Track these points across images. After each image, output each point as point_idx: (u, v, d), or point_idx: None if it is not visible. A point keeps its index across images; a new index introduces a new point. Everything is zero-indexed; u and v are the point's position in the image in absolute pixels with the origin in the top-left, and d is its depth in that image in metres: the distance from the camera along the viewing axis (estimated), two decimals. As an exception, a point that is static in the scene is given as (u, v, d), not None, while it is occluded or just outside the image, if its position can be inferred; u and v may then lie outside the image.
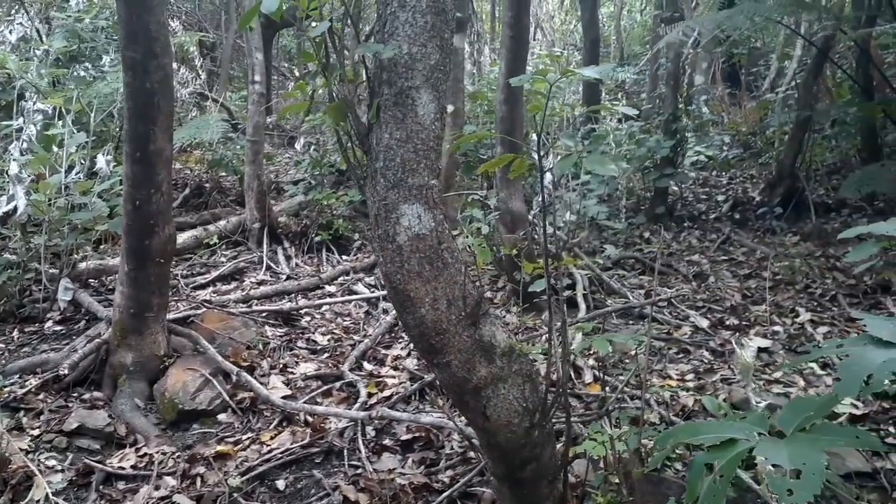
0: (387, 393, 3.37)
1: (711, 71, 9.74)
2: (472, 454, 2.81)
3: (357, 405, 3.25)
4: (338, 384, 3.50)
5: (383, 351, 3.92)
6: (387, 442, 3.05)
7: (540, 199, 4.47)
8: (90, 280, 4.68)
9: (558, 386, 1.88)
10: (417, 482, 2.67)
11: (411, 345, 4.02)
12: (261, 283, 5.08)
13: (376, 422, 3.10)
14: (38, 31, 5.93)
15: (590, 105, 7.45)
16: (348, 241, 5.88)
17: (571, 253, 4.57)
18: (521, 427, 1.74)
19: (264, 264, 5.31)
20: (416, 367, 3.62)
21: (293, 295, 4.82)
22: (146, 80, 3.16)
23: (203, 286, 4.90)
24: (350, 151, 1.79)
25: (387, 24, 1.69)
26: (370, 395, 3.38)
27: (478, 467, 2.59)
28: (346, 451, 2.99)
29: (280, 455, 2.93)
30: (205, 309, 4.06)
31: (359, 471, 2.88)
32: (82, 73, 6.67)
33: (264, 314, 4.33)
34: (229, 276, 5.16)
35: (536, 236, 4.29)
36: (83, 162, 4.33)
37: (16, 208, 3.89)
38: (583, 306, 4.02)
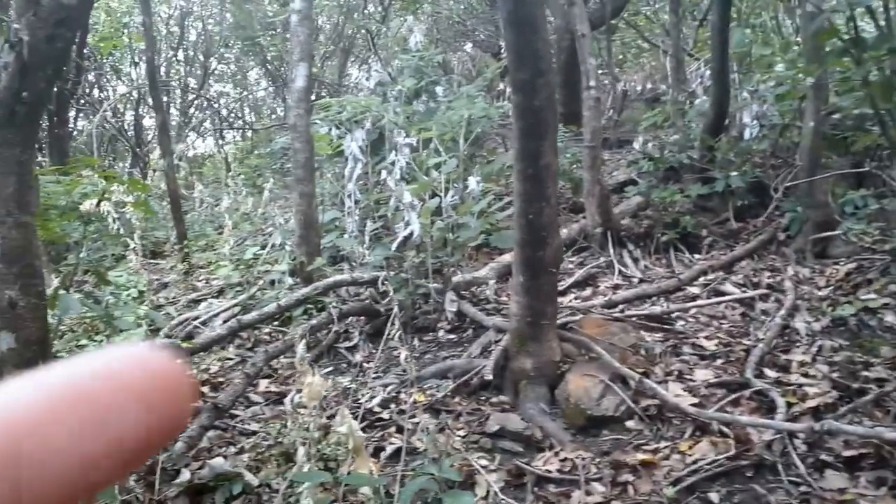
0: (811, 403, 3.05)
1: None
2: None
3: (780, 416, 2.98)
4: (746, 392, 3.27)
5: (783, 356, 3.58)
6: (824, 457, 2.74)
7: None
8: (462, 292, 5.08)
9: None
10: (892, 507, 2.33)
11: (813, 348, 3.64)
12: (615, 287, 5.05)
13: (810, 436, 2.81)
14: (389, 73, 6.70)
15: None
16: (696, 238, 5.59)
17: None
18: None
19: (616, 269, 5.27)
20: (838, 375, 3.23)
21: (654, 298, 4.70)
22: (534, 98, 3.30)
23: (562, 293, 5.01)
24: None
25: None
26: (789, 404, 3.08)
27: None
28: (779, 465, 2.76)
29: (708, 466, 2.81)
30: (581, 315, 4.12)
31: (801, 488, 2.63)
32: (421, 108, 7.40)
33: (633, 318, 4.28)
34: (582, 282, 5.23)
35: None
36: (456, 185, 4.73)
37: (412, 232, 4.36)
38: None
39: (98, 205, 3.41)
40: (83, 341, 4.30)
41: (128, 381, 0.19)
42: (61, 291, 2.90)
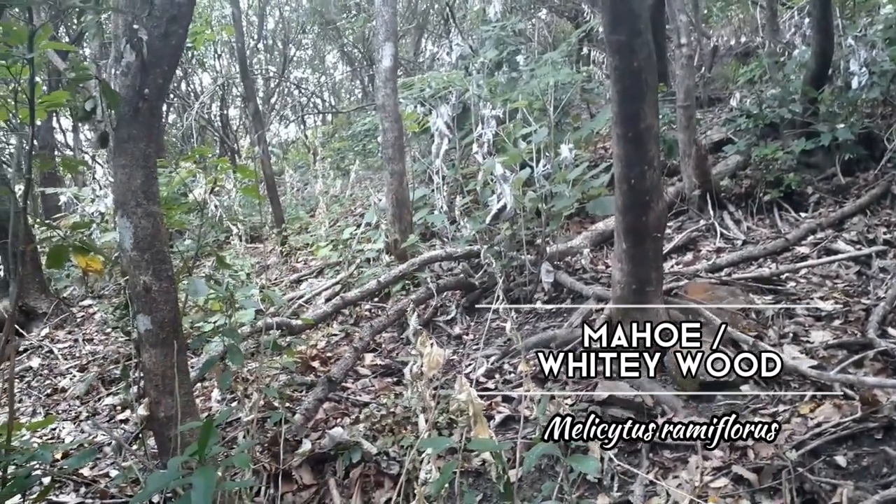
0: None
1: None
2: None
3: (911, 376, 2.84)
4: (870, 353, 3.12)
5: (908, 315, 3.39)
6: (962, 419, 2.60)
7: None
8: (557, 262, 5.06)
9: None
10: None
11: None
12: (718, 250, 4.89)
13: (948, 396, 2.67)
14: (470, 46, 6.67)
15: None
16: (801, 196, 5.32)
17: None
18: None
19: (718, 231, 5.10)
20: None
21: (760, 259, 4.52)
22: (633, 59, 3.21)
23: (663, 258, 4.91)
24: None
25: None
26: (922, 365, 2.93)
27: None
28: (911, 427, 2.63)
29: (832, 429, 2.71)
30: (686, 280, 4.03)
31: (939, 451, 2.50)
32: (502, 79, 7.33)
33: (741, 281, 4.14)
34: (682, 246, 5.10)
35: None
36: (547, 154, 4.68)
37: (505, 205, 4.37)
38: None
39: (211, 192, 3.58)
40: (198, 322, 4.54)
41: None
42: (187, 275, 3.08)
